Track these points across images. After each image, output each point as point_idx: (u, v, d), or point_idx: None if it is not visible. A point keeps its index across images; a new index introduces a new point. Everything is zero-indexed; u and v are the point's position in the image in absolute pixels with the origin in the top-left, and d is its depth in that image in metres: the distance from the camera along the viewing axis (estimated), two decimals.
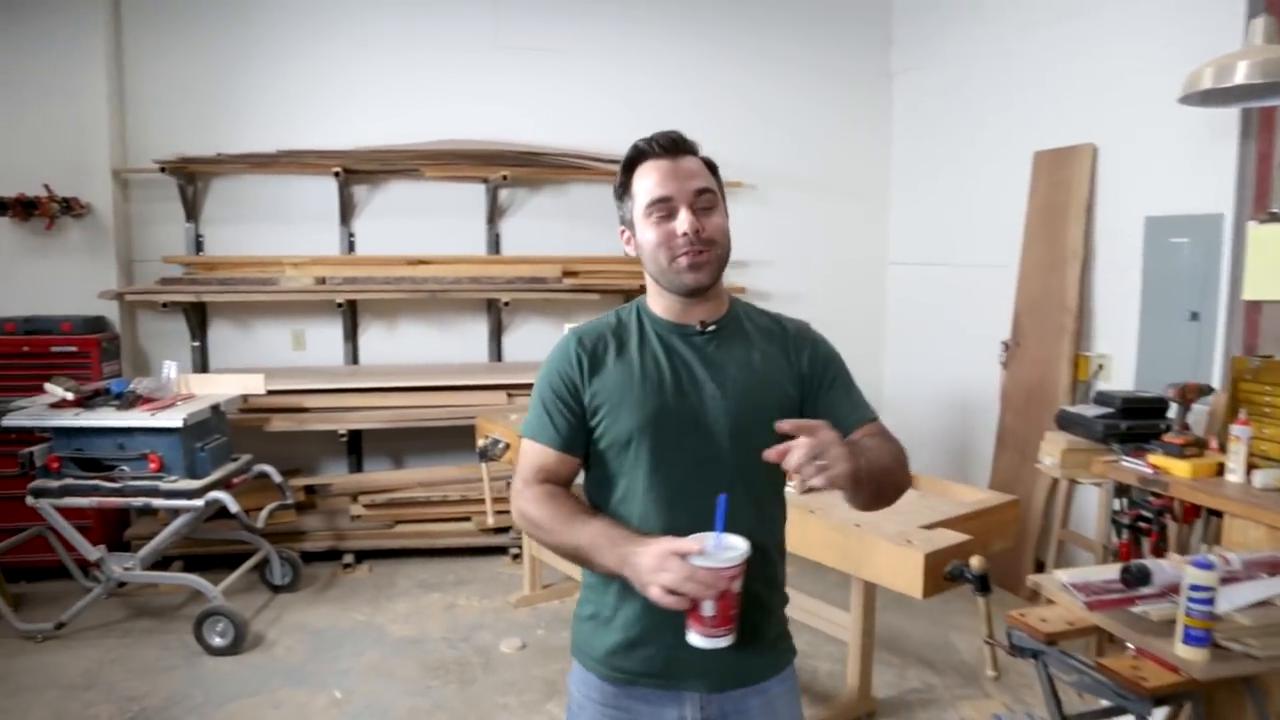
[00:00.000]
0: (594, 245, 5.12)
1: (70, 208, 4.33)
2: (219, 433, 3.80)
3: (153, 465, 3.45)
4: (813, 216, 5.55)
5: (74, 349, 4.22)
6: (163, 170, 4.37)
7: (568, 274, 4.84)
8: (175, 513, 3.55)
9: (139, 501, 3.47)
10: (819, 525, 2.41)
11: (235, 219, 4.74)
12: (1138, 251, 3.86)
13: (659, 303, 1.51)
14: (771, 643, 1.50)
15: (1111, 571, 2.07)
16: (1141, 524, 3.16)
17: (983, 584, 2.12)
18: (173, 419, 3.42)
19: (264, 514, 3.94)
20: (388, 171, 4.75)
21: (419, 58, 4.87)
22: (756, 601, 1.42)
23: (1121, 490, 3.28)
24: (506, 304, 4.65)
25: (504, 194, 5.01)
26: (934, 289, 5.34)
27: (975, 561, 2.12)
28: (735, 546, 1.26)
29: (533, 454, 1.49)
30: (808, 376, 1.52)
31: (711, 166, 1.51)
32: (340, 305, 4.51)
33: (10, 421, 3.44)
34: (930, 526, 2.35)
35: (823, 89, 5.49)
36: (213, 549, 4.26)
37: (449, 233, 4.96)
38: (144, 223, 4.68)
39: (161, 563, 4.15)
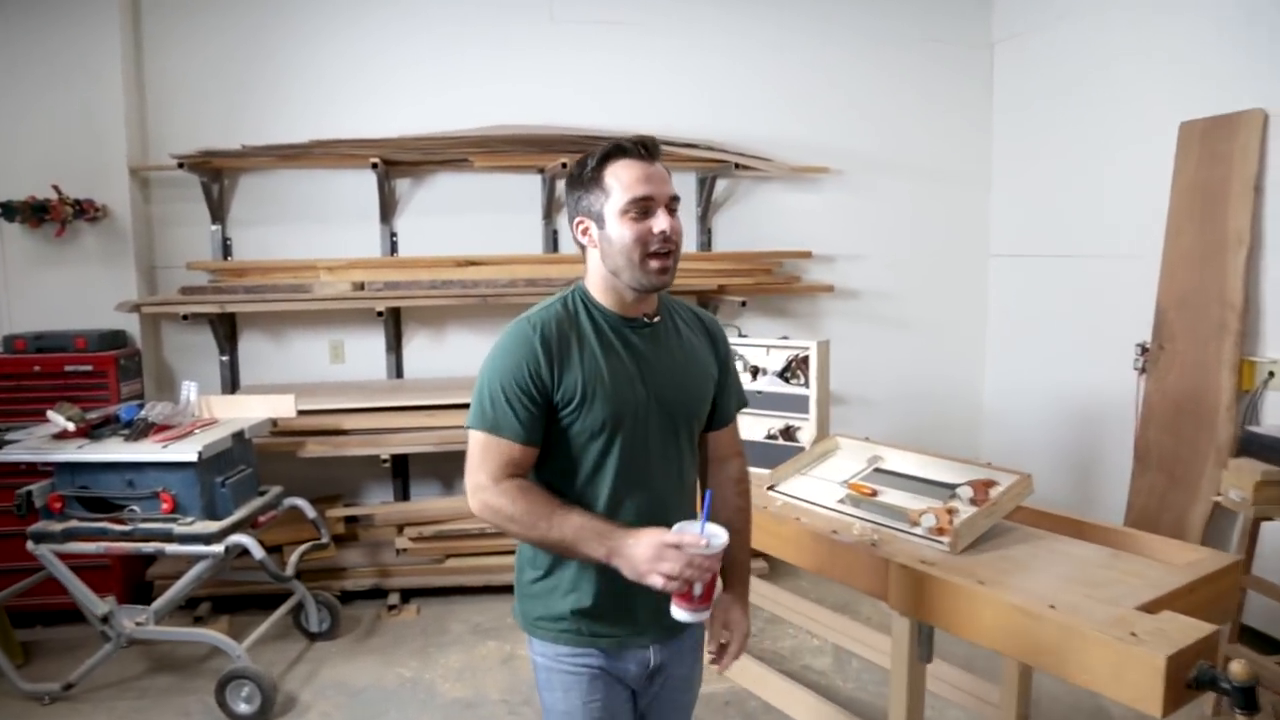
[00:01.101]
0: None
1: (84, 210, 3.89)
2: (244, 463, 3.31)
3: (165, 505, 2.97)
4: (904, 205, 4.93)
5: (90, 368, 3.77)
6: (181, 166, 3.90)
7: None
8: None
9: (150, 547, 2.99)
10: (993, 603, 1.83)
11: (265, 220, 4.27)
12: None
13: (608, 296, 1.59)
14: None
15: None
16: None
17: (1248, 700, 1.53)
18: (187, 451, 2.94)
19: (294, 558, 3.44)
20: (432, 162, 4.23)
21: (465, 35, 4.36)
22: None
23: None
24: None
25: (561, 185, 4.47)
26: (1045, 284, 4.69)
27: (1237, 668, 1.52)
28: (719, 534, 1.43)
29: (497, 449, 1.52)
30: (720, 365, 1.73)
31: (669, 171, 1.60)
32: (380, 314, 4.01)
33: (4, 456, 2.99)
34: (1150, 607, 1.75)
35: (913, 62, 4.87)
36: (243, 589, 3.80)
37: (501, 230, 4.44)
38: (166, 226, 4.23)
39: (187, 604, 3.73)
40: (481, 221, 4.40)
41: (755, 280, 4.41)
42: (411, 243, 4.39)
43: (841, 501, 2.42)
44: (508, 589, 4.04)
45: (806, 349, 2.86)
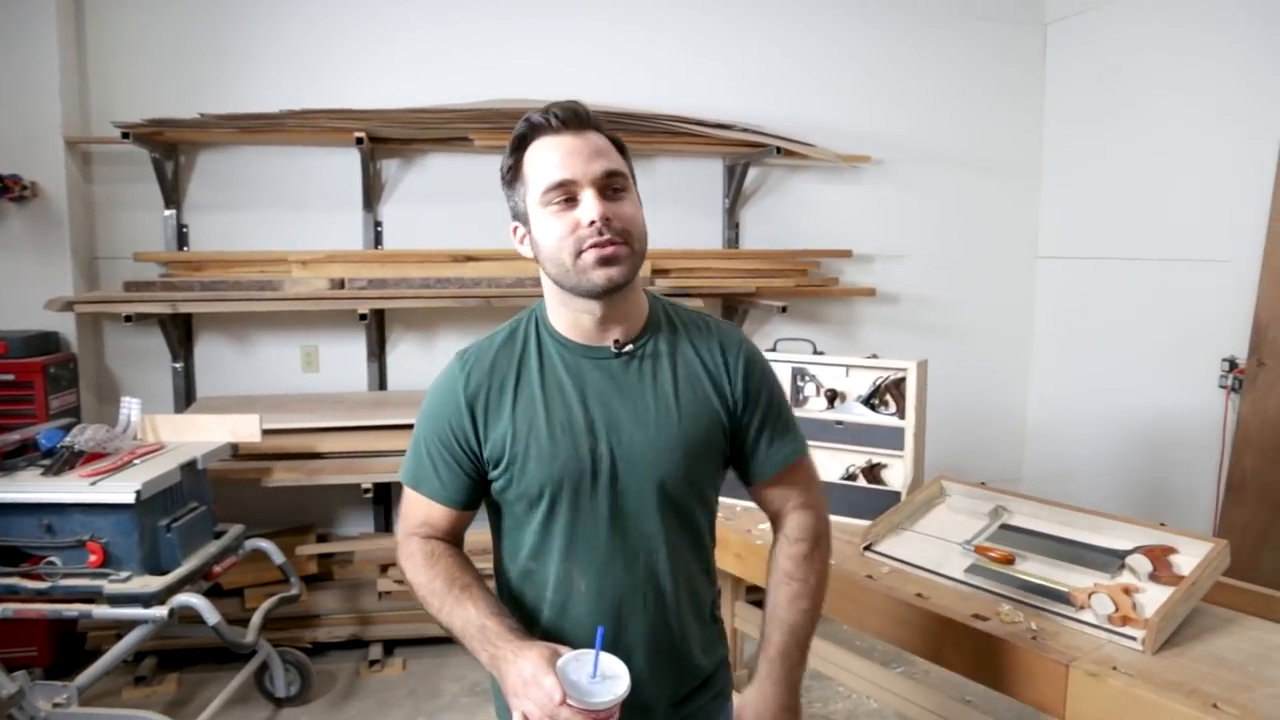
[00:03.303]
0: (688, 235, 4.02)
1: (8, 188, 3.26)
2: (196, 499, 2.71)
3: (93, 557, 2.37)
4: (946, 199, 4.43)
5: (11, 377, 3.15)
6: (126, 137, 3.27)
7: (657, 273, 3.73)
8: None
9: (73, 610, 2.39)
10: None
11: (227, 205, 3.66)
12: None
13: (563, 317, 1.25)
14: (709, 680, 1.34)
15: None
16: None
17: None
18: (122, 490, 2.34)
19: (257, 618, 2.83)
20: (425, 140, 3.64)
21: (465, 6, 3.77)
22: (690, 641, 1.31)
23: None
24: None
25: None
26: (1102, 289, 4.21)
27: None
28: (615, 677, 1.06)
29: (415, 504, 1.29)
30: (741, 401, 1.29)
31: (620, 147, 1.24)
32: (363, 316, 3.42)
33: None
34: None
35: (959, 43, 4.36)
36: (196, 643, 3.20)
37: (504, 221, 3.82)
38: (111, 209, 3.59)
39: (130, 658, 3.12)
40: (481, 211, 3.79)
41: (794, 283, 3.88)
42: (399, 234, 3.80)
43: (970, 572, 1.88)
44: None
45: (902, 370, 2.32)
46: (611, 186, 1.18)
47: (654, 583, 1.25)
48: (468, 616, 1.16)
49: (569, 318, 1.24)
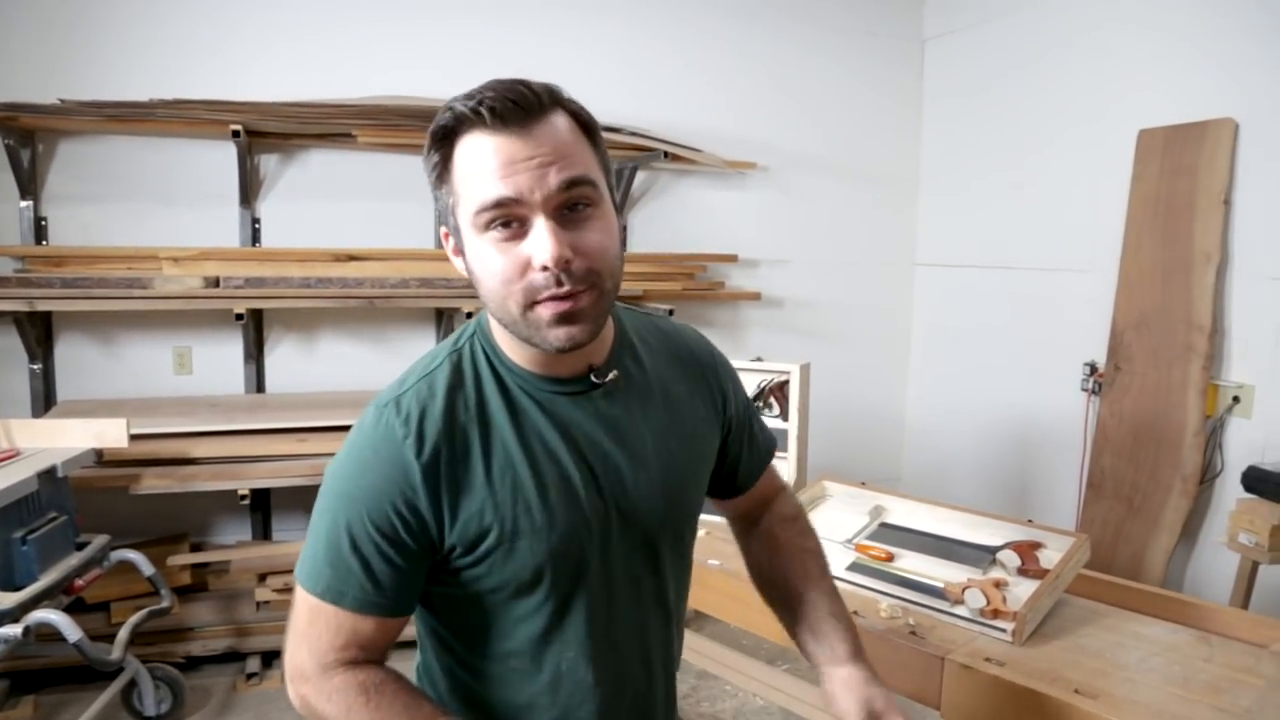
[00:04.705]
0: None
1: None
2: (56, 509, 2.55)
3: None
4: (830, 206, 4.58)
5: None
6: None
7: None
8: None
9: None
10: None
11: (92, 197, 3.45)
12: None
13: (518, 348, 0.96)
14: None
15: None
16: None
17: None
18: None
19: (125, 633, 2.67)
20: (306, 135, 3.53)
21: (354, 2, 3.67)
22: (670, 706, 1.13)
23: None
24: (470, 315, 3.50)
25: None
26: (976, 297, 4.42)
27: None
28: None
29: (333, 623, 0.92)
30: (730, 418, 1.15)
31: (588, 127, 0.92)
32: (240, 316, 3.29)
33: None
34: None
35: (844, 54, 4.52)
36: (54, 662, 3.01)
37: (387, 221, 3.77)
38: None
39: None
40: (365, 210, 3.72)
41: (681, 286, 3.93)
42: (278, 232, 3.66)
43: (851, 569, 1.95)
44: (396, 646, 3.41)
45: (785, 373, 2.38)
46: (573, 202, 0.88)
47: (661, 649, 1.08)
48: None
49: (525, 350, 0.96)
